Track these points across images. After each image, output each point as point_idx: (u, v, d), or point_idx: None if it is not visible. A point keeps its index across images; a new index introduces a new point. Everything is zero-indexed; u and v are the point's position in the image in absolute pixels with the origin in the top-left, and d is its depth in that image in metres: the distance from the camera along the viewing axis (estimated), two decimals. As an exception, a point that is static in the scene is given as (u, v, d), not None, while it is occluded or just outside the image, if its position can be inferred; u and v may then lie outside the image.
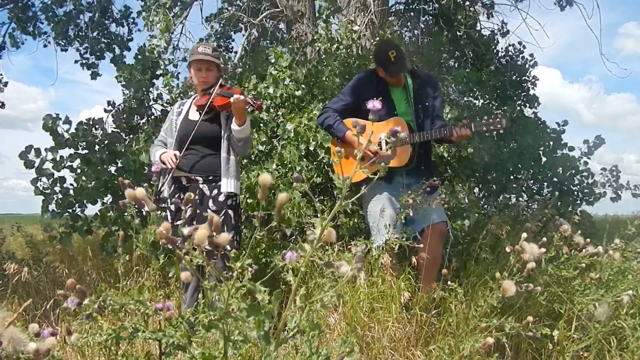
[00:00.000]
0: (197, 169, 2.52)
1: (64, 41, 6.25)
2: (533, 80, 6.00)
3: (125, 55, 6.33)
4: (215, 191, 2.51)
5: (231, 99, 2.41)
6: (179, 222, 2.23)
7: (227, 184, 2.49)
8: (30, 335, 1.01)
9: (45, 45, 6.43)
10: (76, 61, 6.48)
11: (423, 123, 2.69)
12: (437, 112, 2.76)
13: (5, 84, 6.84)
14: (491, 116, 2.52)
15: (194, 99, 2.72)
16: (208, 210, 2.47)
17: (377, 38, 4.51)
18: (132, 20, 6.53)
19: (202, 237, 0.97)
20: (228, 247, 1.01)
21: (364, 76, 2.86)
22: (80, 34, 6.25)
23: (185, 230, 1.05)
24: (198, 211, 2.46)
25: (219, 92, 2.53)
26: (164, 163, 2.47)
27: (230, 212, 2.50)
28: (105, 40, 6.36)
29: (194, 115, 2.62)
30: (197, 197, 2.47)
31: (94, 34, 6.14)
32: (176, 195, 2.47)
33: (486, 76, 5.03)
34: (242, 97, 2.41)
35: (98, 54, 6.33)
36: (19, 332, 0.88)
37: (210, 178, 2.52)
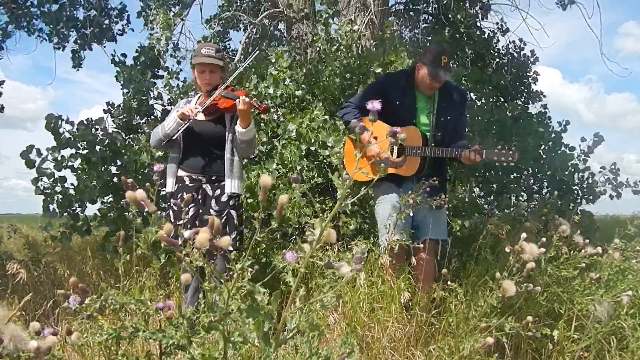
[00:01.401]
0: (201, 169, 2.53)
1: (58, 37, 6.18)
2: (534, 76, 5.99)
3: (115, 51, 6.29)
4: (218, 191, 2.52)
5: (236, 102, 2.42)
6: (181, 222, 2.23)
7: (231, 185, 2.51)
8: (31, 333, 1.01)
9: (40, 41, 6.31)
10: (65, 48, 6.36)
11: (442, 138, 2.61)
12: (458, 129, 2.69)
13: (3, 82, 6.77)
14: (504, 147, 2.49)
15: (198, 98, 2.71)
16: (210, 210, 2.48)
17: (377, 38, 4.51)
18: (127, 18, 6.48)
19: (204, 240, 0.97)
20: (230, 248, 1.01)
21: (393, 76, 2.77)
22: (76, 29, 6.19)
23: (186, 233, 1.04)
24: (201, 211, 2.47)
25: (224, 94, 2.53)
26: (183, 118, 2.48)
27: (232, 212, 2.52)
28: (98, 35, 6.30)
29: (200, 116, 2.63)
30: (199, 197, 2.48)
31: (89, 30, 6.08)
32: (179, 195, 2.47)
33: (487, 75, 5.03)
34: (247, 99, 2.41)
35: (93, 42, 6.26)
36: (20, 330, 0.88)
37: (214, 178, 2.53)
